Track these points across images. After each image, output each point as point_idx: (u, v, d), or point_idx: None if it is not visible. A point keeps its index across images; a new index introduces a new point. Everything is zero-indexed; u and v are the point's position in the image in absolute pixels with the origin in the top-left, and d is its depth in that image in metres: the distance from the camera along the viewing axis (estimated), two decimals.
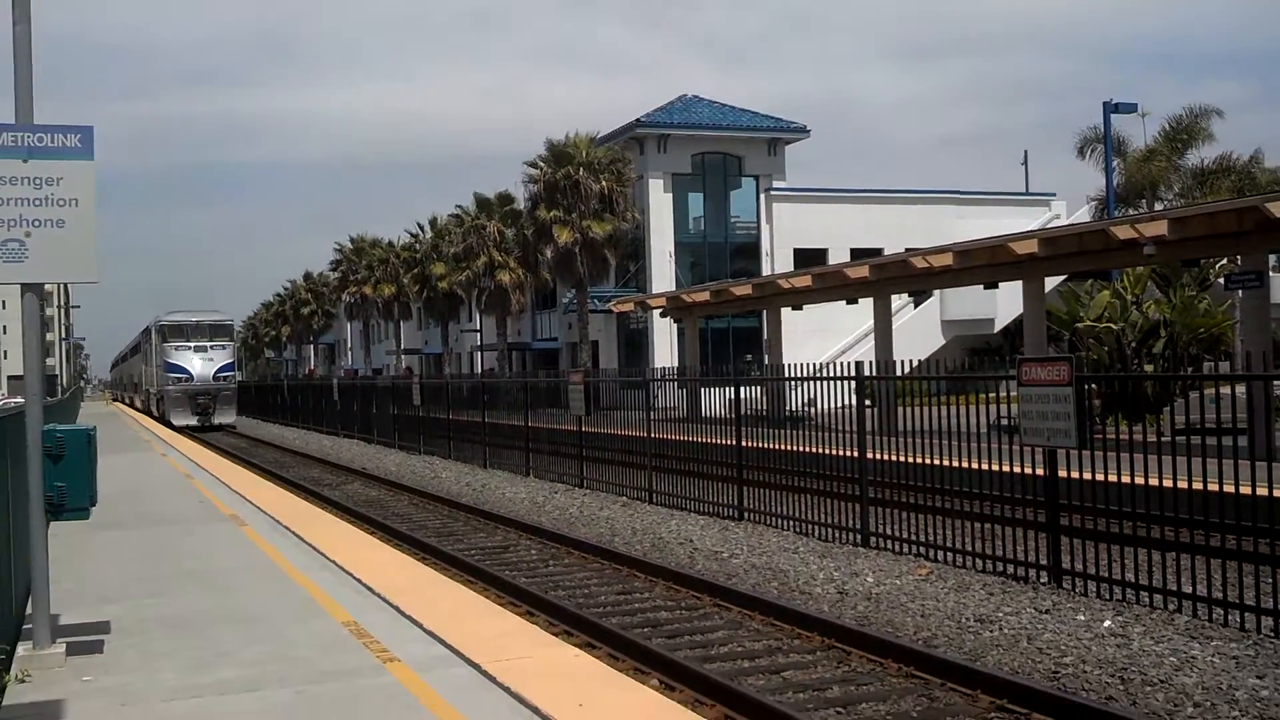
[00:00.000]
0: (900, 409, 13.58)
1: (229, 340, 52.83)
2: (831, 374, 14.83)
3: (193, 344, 50.33)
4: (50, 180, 7.73)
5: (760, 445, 16.30)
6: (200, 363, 49.89)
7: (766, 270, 46.74)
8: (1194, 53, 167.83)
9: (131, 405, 73.15)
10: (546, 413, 24.98)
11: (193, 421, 48.48)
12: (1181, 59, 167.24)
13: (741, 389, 17.83)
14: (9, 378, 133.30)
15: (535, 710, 6.52)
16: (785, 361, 21.71)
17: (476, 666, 7.44)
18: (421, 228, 64.39)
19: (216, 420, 49.49)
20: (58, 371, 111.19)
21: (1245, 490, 9.49)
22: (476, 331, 61.51)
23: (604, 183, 44.46)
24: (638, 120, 49.21)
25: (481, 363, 61.22)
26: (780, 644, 9.69)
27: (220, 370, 50.57)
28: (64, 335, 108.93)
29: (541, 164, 46.23)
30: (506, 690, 6.92)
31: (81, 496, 7.85)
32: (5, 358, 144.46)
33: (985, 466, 11.99)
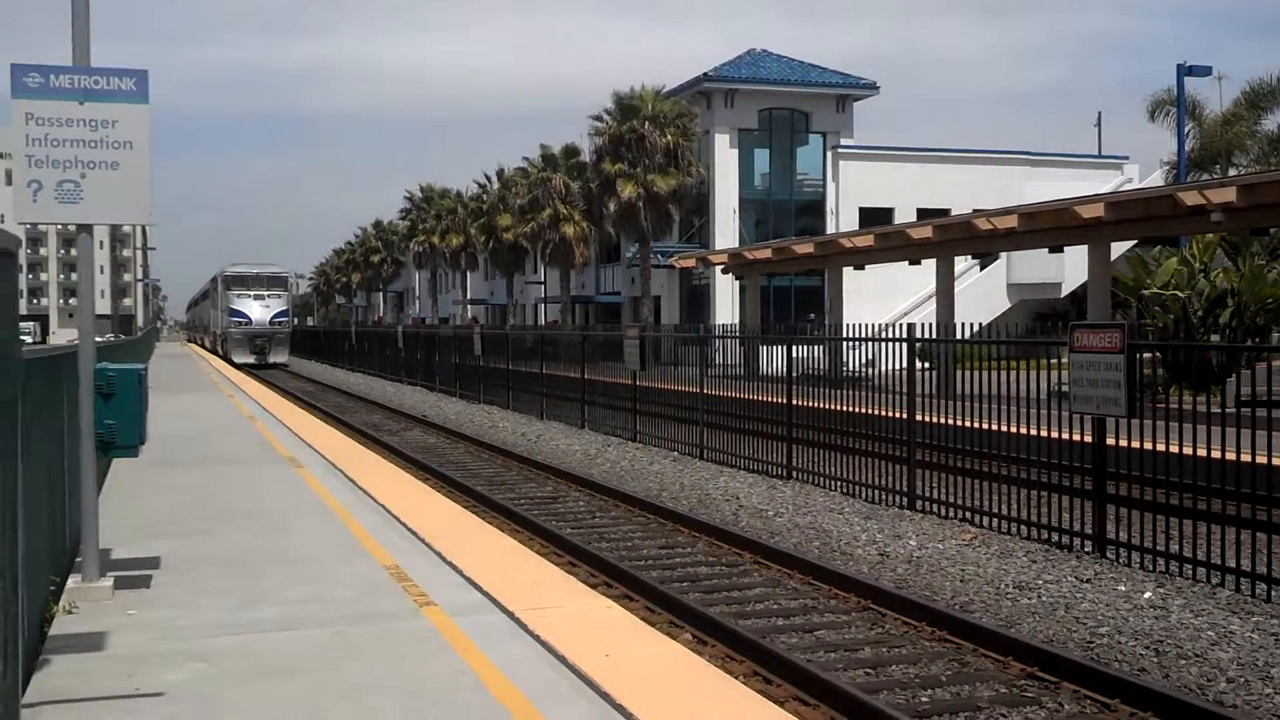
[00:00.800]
0: (960, 372, 13.46)
1: (283, 290, 59.54)
2: (881, 335, 14.73)
3: (252, 293, 56.83)
4: (105, 123, 7.87)
5: (811, 405, 16.25)
6: (258, 309, 56.46)
7: (831, 229, 46.35)
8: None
9: (202, 345, 79.71)
10: (604, 366, 25.10)
11: (250, 360, 54.11)
12: (1269, 20, 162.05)
13: (794, 348, 17.77)
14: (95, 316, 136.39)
15: (562, 659, 6.61)
16: (846, 322, 21.61)
17: (510, 614, 7.55)
18: (488, 178, 64.61)
19: (271, 359, 55.58)
20: (135, 312, 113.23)
21: None
22: (541, 283, 61.77)
23: (669, 137, 44.23)
24: (705, 74, 48.82)
25: (545, 315, 61.52)
26: (816, 603, 9.73)
27: (275, 316, 57.31)
28: (141, 277, 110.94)
29: (607, 117, 46.07)
30: (536, 638, 7.03)
31: (131, 434, 8.05)
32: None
33: (1034, 433, 11.87)
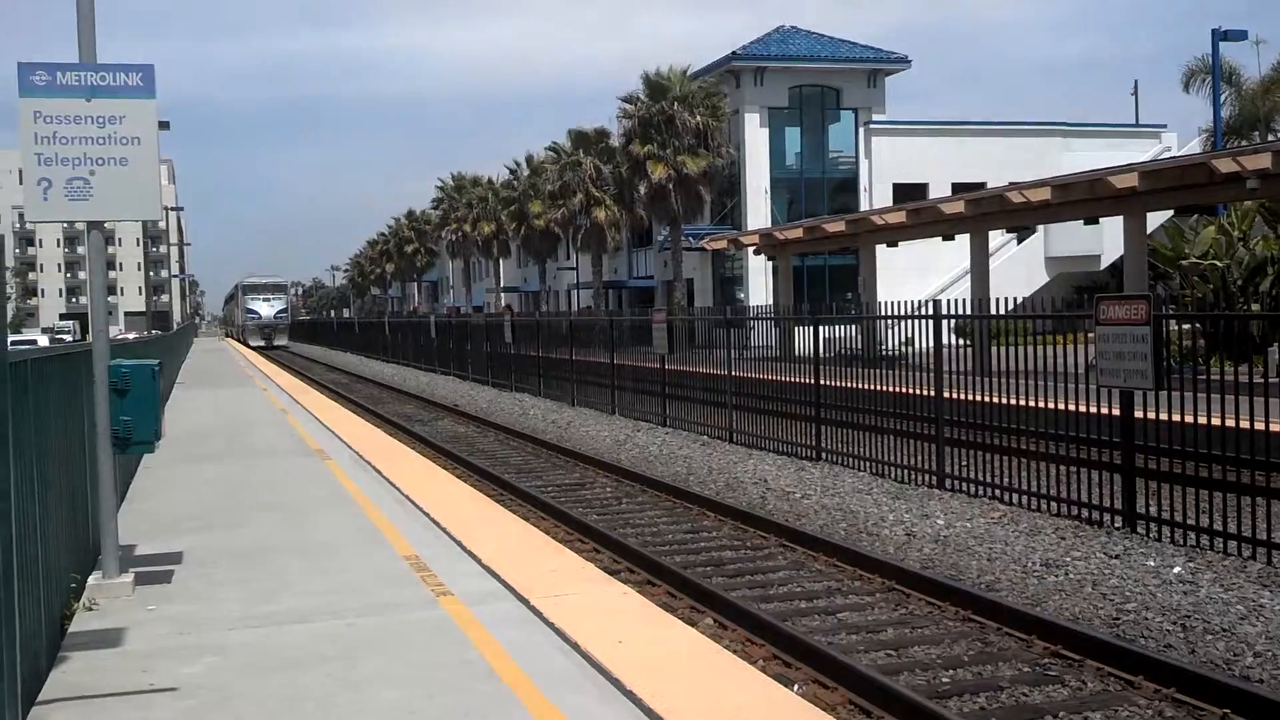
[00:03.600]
0: (997, 349, 13.29)
1: (284, 294, 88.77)
2: (907, 313, 14.56)
3: (261, 296, 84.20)
4: (113, 119, 7.88)
5: (840, 384, 16.12)
6: (266, 308, 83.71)
7: (865, 206, 45.96)
8: None
9: (229, 336, 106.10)
10: (633, 351, 25.05)
11: (261, 343, 78.26)
12: None
13: (827, 328, 17.63)
14: (125, 314, 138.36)
15: (575, 646, 6.58)
16: (881, 300, 21.29)
17: (525, 602, 7.53)
18: (518, 164, 64.63)
19: (275, 343, 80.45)
20: (172, 307, 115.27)
21: None
22: (573, 269, 61.78)
23: (699, 117, 44.01)
24: (734, 53, 48.51)
25: (578, 300, 61.56)
26: (841, 585, 9.64)
27: (278, 313, 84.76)
28: (178, 272, 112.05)
29: (637, 99, 45.93)
30: (551, 626, 7.00)
31: (147, 430, 8.08)
32: (122, 294, 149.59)
33: (1064, 407, 11.69)
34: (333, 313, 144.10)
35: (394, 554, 9.11)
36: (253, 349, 70.78)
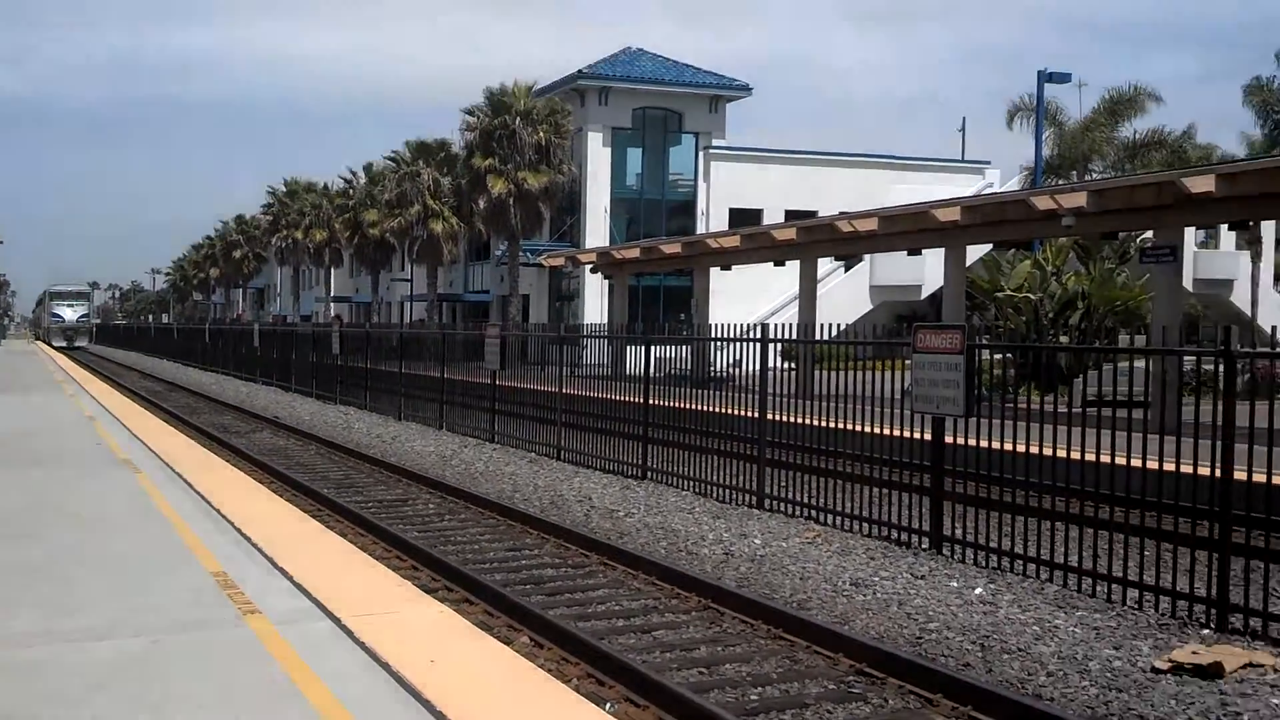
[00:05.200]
0: (820, 373, 13.61)
1: (87, 301, 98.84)
2: (735, 336, 14.82)
3: (66, 302, 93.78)
4: None
5: (668, 404, 16.28)
6: (69, 312, 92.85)
7: (702, 229, 46.68)
8: (1141, 25, 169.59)
9: (39, 339, 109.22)
10: (466, 366, 24.81)
11: (64, 344, 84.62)
12: (1127, 31, 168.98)
13: (658, 348, 17.79)
14: None
15: (386, 666, 6.44)
16: (712, 322, 21.70)
17: (337, 620, 7.34)
18: (354, 174, 63.50)
19: (77, 344, 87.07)
20: None
21: (1135, 463, 9.51)
22: (407, 281, 60.92)
23: (541, 133, 44.06)
24: (579, 71, 48.73)
25: (411, 313, 60.73)
26: (658, 604, 9.71)
27: (80, 317, 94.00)
28: None
29: (479, 112, 45.67)
30: (362, 646, 6.83)
31: None
32: None
33: (879, 431, 12.05)
34: (151, 317, 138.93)
35: (202, 570, 8.78)
36: (56, 349, 77.06)
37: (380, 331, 32.92)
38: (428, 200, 50.41)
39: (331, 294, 74.26)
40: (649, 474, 16.23)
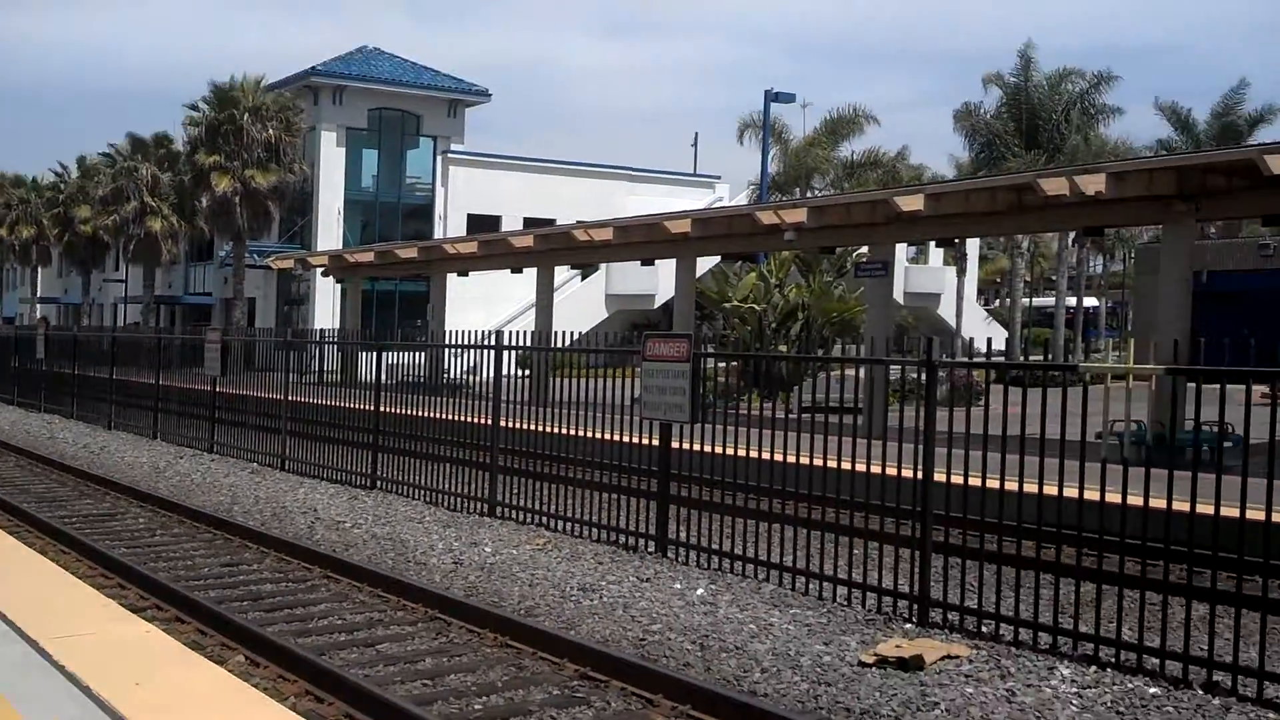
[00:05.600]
0: (557, 380, 13.62)
1: None
2: (467, 342, 14.71)
3: None
4: None
5: (400, 412, 15.96)
6: None
7: (439, 234, 46.19)
8: (864, 49, 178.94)
9: None
10: (185, 372, 23.58)
11: None
12: (853, 55, 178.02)
13: (390, 354, 17.43)
14: None
15: (86, 690, 6.01)
16: (449, 328, 21.39)
17: (34, 644, 6.80)
18: (64, 167, 59.54)
19: None
20: None
21: (847, 466, 9.93)
22: (122, 282, 57.53)
23: (271, 130, 42.57)
24: (313, 68, 47.34)
25: (125, 316, 57.39)
26: (384, 616, 9.49)
27: None
28: None
29: (204, 106, 43.68)
30: (61, 670, 6.35)
31: None
32: None
33: (610, 438, 12.20)
34: None
35: None
36: None
37: (90, 335, 30.93)
38: (145, 196, 47.81)
39: (38, 294, 69.31)
40: (379, 483, 15.88)
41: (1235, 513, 7.37)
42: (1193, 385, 8.56)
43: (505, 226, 44.18)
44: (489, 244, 32.30)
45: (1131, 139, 47.21)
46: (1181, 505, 7.56)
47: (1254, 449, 8.01)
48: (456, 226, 47.51)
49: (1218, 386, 7.81)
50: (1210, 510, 7.48)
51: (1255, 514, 7.38)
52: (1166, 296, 19.11)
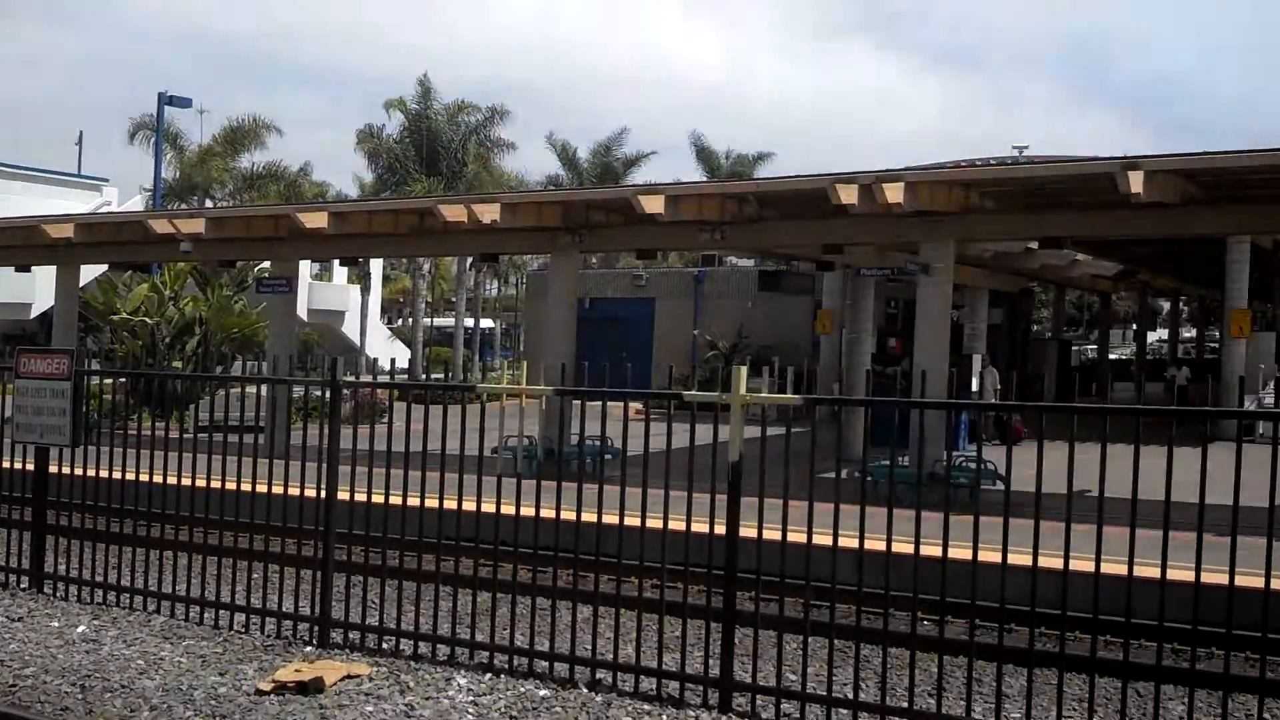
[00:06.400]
0: None
1: None
2: None
3: None
4: None
5: None
6: None
7: None
8: (274, 62, 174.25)
9: None
10: None
11: None
12: (260, 67, 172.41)
13: None
14: None
15: None
16: None
17: None
18: None
19: None
20: None
21: (247, 487, 9.55)
22: None
23: None
24: None
25: None
26: None
27: None
28: None
29: None
30: None
31: None
32: None
33: None
34: None
35: None
36: None
37: None
38: None
39: None
40: None
41: (614, 520, 8.11)
42: (578, 403, 9.27)
43: None
44: None
45: (529, 172, 50.40)
46: (569, 515, 8.18)
47: (633, 460, 8.79)
48: None
49: (599, 404, 8.56)
50: (593, 519, 8.13)
51: (627, 520, 8.16)
52: (554, 320, 20.63)
